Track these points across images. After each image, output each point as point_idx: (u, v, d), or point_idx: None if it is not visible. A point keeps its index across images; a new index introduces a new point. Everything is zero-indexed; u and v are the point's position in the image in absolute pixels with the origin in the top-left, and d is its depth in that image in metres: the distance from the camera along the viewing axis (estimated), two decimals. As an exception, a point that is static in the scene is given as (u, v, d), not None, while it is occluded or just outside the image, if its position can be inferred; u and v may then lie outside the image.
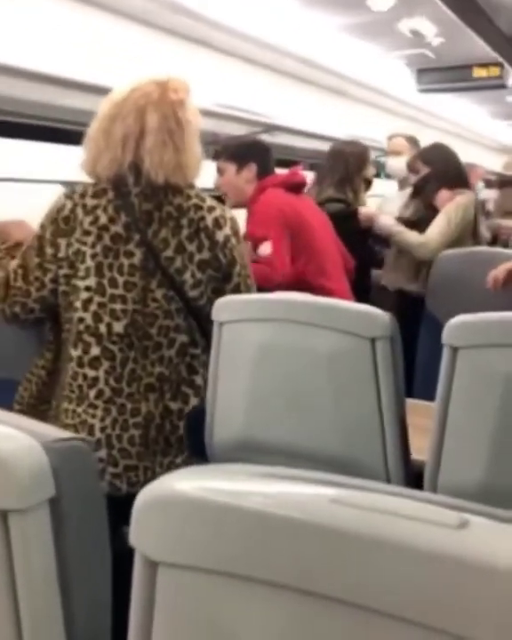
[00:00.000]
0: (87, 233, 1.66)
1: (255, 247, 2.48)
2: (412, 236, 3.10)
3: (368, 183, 3.36)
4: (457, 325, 1.46)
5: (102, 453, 1.65)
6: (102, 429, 1.66)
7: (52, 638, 0.67)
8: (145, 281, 1.67)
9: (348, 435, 1.59)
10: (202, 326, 1.74)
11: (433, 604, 0.46)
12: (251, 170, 2.54)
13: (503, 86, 5.15)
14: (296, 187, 2.64)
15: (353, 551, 0.48)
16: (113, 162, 1.68)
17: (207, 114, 1.79)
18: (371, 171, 3.35)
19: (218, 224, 1.72)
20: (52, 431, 0.71)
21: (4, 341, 1.97)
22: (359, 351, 1.55)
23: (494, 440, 1.43)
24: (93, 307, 1.66)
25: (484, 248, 3.22)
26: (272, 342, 1.64)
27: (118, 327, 1.66)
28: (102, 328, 1.66)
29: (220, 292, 1.73)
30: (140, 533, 0.58)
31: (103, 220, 1.66)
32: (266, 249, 2.48)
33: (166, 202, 1.69)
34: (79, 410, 1.66)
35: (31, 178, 3.55)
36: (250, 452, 1.64)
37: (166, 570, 0.56)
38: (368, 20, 3.99)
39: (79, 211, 1.67)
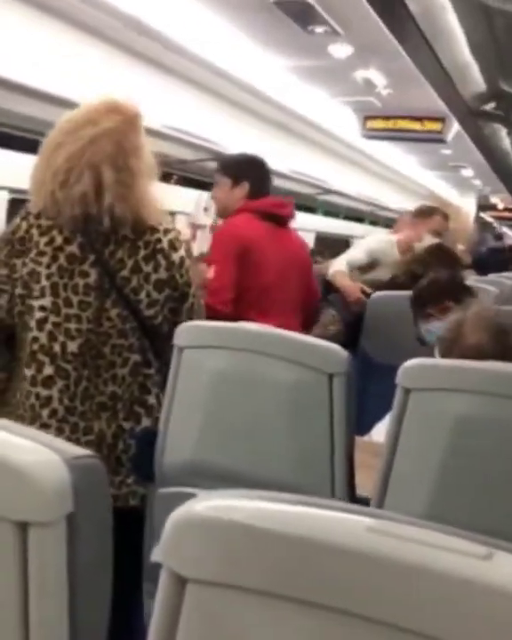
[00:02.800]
0: (42, 253, 1.67)
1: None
2: None
3: None
4: (411, 368, 1.54)
5: None
6: None
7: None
8: (100, 301, 1.69)
9: (297, 466, 1.63)
10: (155, 346, 1.76)
11: (459, 626, 0.51)
12: (243, 188, 2.54)
13: (442, 141, 5.43)
14: (276, 218, 2.56)
15: (386, 575, 0.53)
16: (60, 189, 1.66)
17: (158, 135, 1.81)
18: None
19: (173, 246, 1.76)
20: (71, 447, 0.73)
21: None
22: (316, 385, 1.61)
23: (437, 478, 1.50)
24: (48, 326, 1.67)
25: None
26: (230, 370, 1.68)
27: (73, 346, 1.67)
28: (57, 347, 1.67)
29: (176, 312, 1.77)
30: (170, 551, 0.61)
31: (59, 240, 1.68)
32: (210, 273, 2.46)
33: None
34: None
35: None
36: (198, 477, 1.66)
37: (195, 587, 0.60)
38: (324, 65, 4.14)
39: (34, 231, 1.68)
